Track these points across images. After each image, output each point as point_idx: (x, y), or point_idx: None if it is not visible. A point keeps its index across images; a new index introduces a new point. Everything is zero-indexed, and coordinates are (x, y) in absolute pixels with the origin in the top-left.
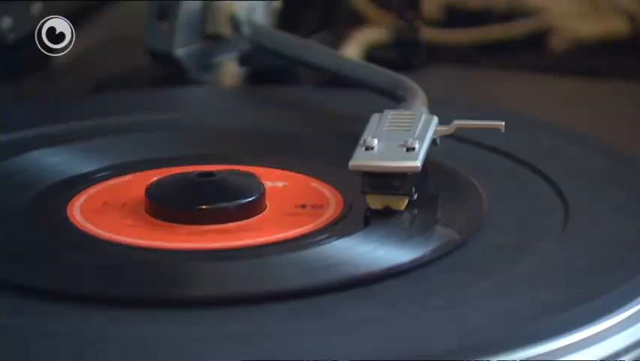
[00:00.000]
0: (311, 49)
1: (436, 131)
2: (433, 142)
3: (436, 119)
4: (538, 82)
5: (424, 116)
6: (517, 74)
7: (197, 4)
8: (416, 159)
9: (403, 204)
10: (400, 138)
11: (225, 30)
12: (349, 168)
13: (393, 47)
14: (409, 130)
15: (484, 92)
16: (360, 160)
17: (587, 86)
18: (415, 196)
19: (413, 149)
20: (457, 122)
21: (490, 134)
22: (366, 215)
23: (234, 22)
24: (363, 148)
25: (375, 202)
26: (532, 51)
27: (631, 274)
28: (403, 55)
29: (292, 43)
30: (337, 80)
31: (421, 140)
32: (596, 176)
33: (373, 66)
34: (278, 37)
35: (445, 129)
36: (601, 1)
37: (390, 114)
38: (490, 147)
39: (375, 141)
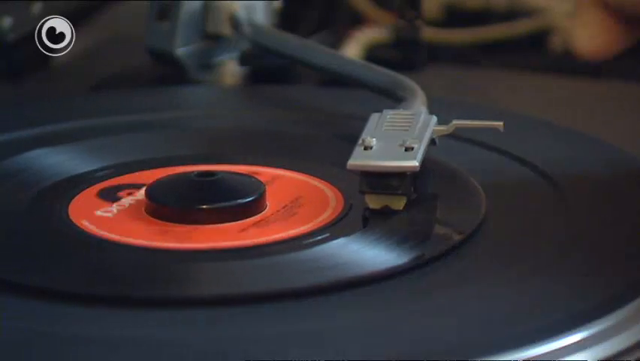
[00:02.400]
0: (311, 49)
1: (434, 131)
2: (432, 142)
3: (434, 118)
4: (538, 82)
5: (422, 116)
6: (517, 74)
7: (198, 4)
8: (414, 158)
9: (401, 203)
10: (399, 138)
11: (226, 30)
12: (348, 167)
13: (394, 47)
14: (407, 130)
15: (484, 92)
16: (358, 160)
17: (587, 86)
18: (414, 196)
19: (412, 148)
20: (456, 122)
21: (490, 134)
22: (365, 215)
23: (234, 22)
24: (362, 148)
25: (373, 202)
26: (532, 51)
27: (631, 274)
28: (403, 55)
29: (292, 43)
30: (337, 80)
31: (420, 139)
32: (596, 176)
33: (373, 66)
34: (278, 37)
35: (444, 129)
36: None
37: (389, 114)
38: (490, 147)
39: (374, 141)
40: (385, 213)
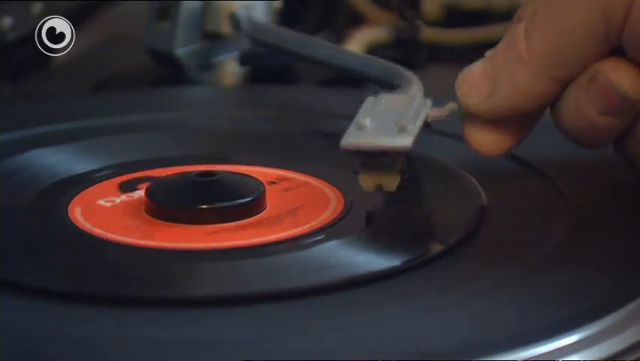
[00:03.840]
0: (309, 43)
1: (429, 115)
2: (427, 125)
3: (429, 102)
4: None
5: (417, 100)
6: None
7: (198, 4)
8: (408, 138)
9: (394, 183)
10: (393, 118)
11: (225, 28)
12: (341, 147)
13: (394, 47)
14: (402, 112)
15: None
16: (351, 139)
17: None
18: (406, 176)
19: (405, 129)
20: (452, 104)
21: None
22: (368, 214)
23: (234, 20)
24: (356, 127)
25: (367, 182)
26: None
27: (631, 273)
28: (403, 55)
29: (291, 38)
30: (337, 80)
31: (414, 120)
32: (596, 176)
33: (371, 57)
34: (277, 32)
35: (439, 111)
36: None
37: (384, 97)
38: None
39: (368, 120)
40: (379, 192)
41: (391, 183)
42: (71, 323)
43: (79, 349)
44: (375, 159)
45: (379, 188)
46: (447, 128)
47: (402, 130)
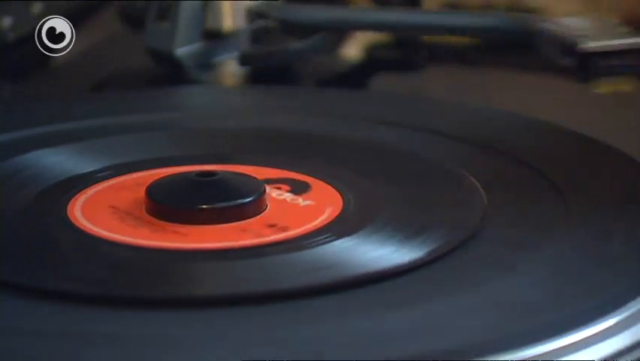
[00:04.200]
0: (361, 10)
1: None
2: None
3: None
4: (539, 82)
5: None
6: (516, 74)
7: (197, 4)
8: (636, 37)
9: (632, 83)
10: (602, 28)
11: (226, 24)
12: (584, 49)
13: (394, 47)
14: (595, 25)
15: (484, 92)
16: (592, 42)
17: (587, 86)
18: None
19: (625, 32)
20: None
21: (490, 134)
22: None
23: (255, 12)
24: (576, 37)
25: (603, 86)
26: (532, 51)
27: (631, 273)
28: (403, 55)
29: (338, 10)
30: (337, 80)
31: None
32: (595, 176)
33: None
34: (320, 9)
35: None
36: (601, 1)
37: (557, 22)
38: (490, 147)
39: (586, 32)
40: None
41: (628, 83)
42: (71, 323)
43: (79, 349)
44: (617, 59)
45: (614, 91)
46: (447, 128)
47: (622, 34)
